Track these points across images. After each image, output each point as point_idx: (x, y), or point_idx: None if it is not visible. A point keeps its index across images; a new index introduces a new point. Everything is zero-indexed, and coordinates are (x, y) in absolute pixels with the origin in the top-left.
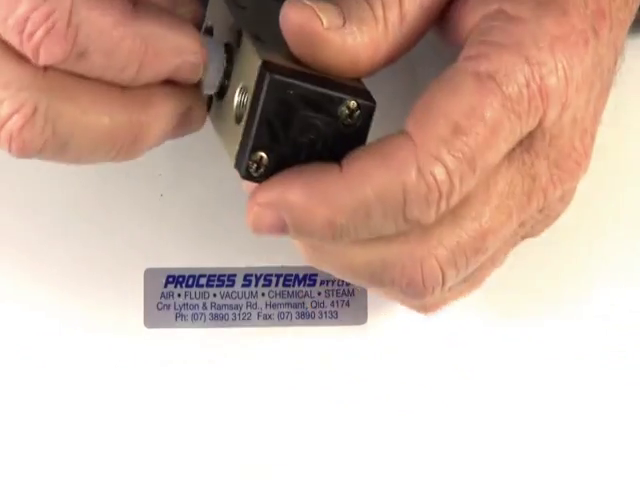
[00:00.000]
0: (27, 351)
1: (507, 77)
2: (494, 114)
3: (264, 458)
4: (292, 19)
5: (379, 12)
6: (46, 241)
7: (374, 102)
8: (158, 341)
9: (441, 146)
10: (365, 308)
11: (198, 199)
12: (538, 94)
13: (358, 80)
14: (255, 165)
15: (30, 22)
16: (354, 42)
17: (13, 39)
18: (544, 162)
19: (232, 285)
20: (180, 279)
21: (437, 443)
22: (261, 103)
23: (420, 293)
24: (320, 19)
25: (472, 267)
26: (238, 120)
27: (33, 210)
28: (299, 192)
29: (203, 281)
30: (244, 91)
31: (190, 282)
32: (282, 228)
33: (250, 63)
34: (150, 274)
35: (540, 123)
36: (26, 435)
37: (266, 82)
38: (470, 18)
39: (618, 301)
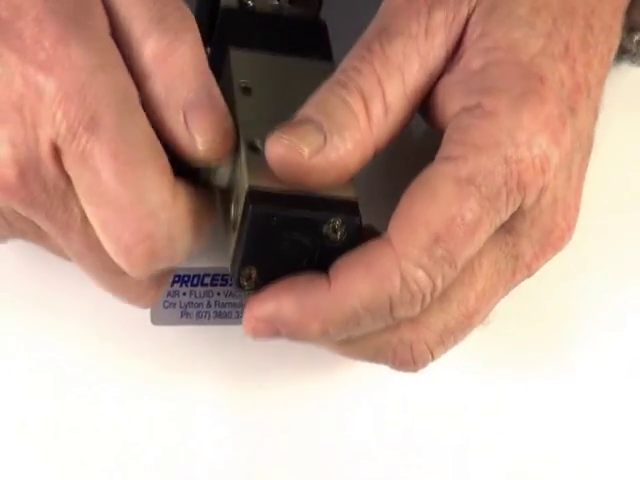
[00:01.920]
0: (36, 348)
1: (485, 179)
2: (473, 216)
3: (268, 452)
4: (275, 154)
5: (359, 107)
6: None
7: (358, 215)
8: (164, 338)
9: (422, 254)
10: None
11: None
12: (516, 188)
13: (350, 181)
14: (245, 278)
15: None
16: (338, 155)
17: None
18: (526, 241)
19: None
20: (185, 278)
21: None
22: (246, 229)
23: (411, 369)
24: (301, 150)
25: (460, 340)
26: (233, 228)
27: None
28: (292, 308)
29: (207, 280)
30: (237, 202)
31: (195, 281)
32: (278, 335)
33: (242, 179)
34: None
35: (520, 208)
36: (33, 432)
37: (250, 213)
38: (451, 108)
39: (601, 356)
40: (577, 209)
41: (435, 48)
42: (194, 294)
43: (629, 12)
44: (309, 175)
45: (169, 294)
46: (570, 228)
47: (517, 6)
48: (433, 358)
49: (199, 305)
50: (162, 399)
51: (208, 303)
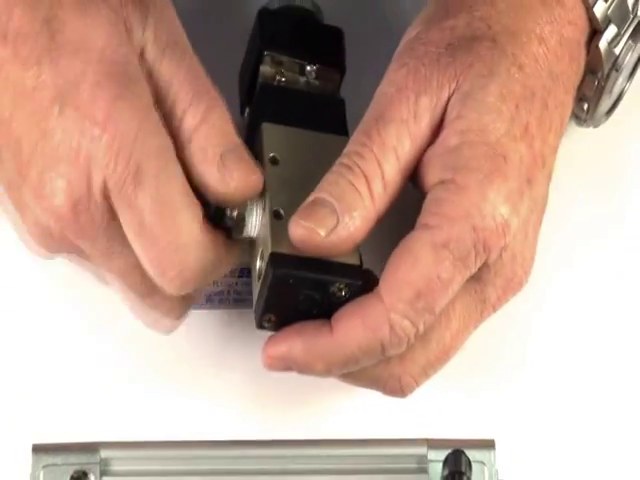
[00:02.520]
0: (83, 324)
1: (457, 244)
2: (448, 275)
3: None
4: (296, 235)
5: (364, 188)
6: None
7: (359, 279)
8: (191, 321)
9: (407, 307)
10: None
11: None
12: (482, 250)
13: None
14: (266, 322)
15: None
16: (349, 232)
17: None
18: (491, 287)
19: (250, 276)
20: None
21: None
22: (268, 286)
23: (399, 396)
24: (318, 232)
25: (439, 369)
26: (258, 277)
27: None
28: (300, 351)
29: (228, 274)
30: (262, 258)
31: None
32: (289, 369)
33: (266, 241)
34: None
35: (485, 263)
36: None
37: (271, 274)
38: (431, 177)
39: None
40: (532, 259)
41: (422, 128)
42: (217, 284)
43: (579, 86)
44: (324, 249)
45: None
46: (526, 274)
47: (487, 94)
48: (417, 386)
49: (221, 293)
50: (191, 367)
51: (228, 291)
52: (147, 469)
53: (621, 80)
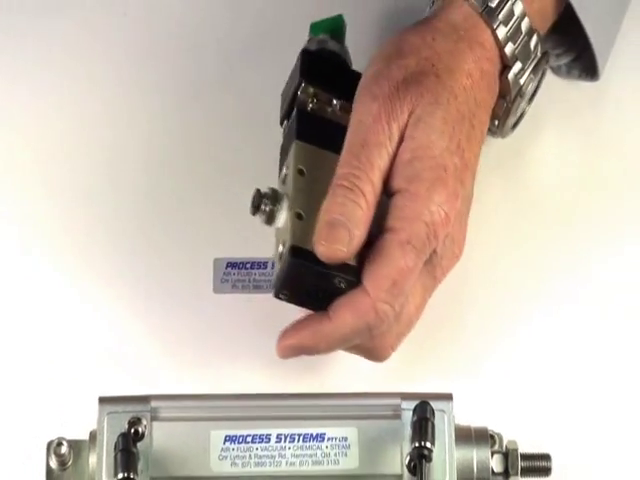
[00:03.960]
0: (125, 310)
1: (417, 239)
2: (412, 263)
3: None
4: (320, 252)
5: (362, 202)
6: (152, 236)
7: (356, 278)
8: (221, 302)
9: (387, 295)
10: None
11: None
12: (433, 238)
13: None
14: (282, 294)
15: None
16: (359, 241)
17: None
18: (438, 267)
19: (265, 268)
20: (234, 264)
21: None
22: (285, 270)
23: (381, 361)
24: (337, 249)
25: (407, 335)
26: (279, 259)
27: (131, 214)
28: (309, 339)
29: (248, 266)
30: (284, 245)
31: (240, 266)
32: (299, 355)
33: (288, 235)
34: (217, 261)
35: (434, 250)
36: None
37: (289, 262)
38: (393, 185)
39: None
40: (464, 239)
41: (393, 146)
42: (240, 274)
43: (493, 107)
44: (344, 259)
45: (224, 274)
46: (461, 252)
47: (434, 119)
48: (393, 351)
49: (243, 281)
50: (221, 338)
51: (248, 279)
52: (186, 415)
53: (523, 104)
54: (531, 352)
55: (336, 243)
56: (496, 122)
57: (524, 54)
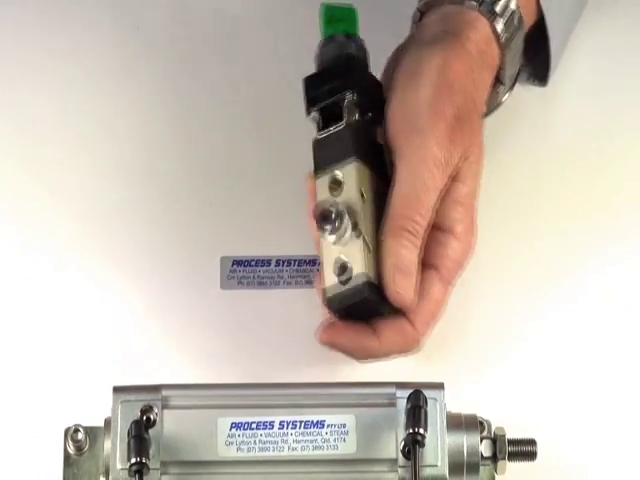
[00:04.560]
0: (137, 306)
1: (454, 276)
2: (447, 294)
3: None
4: (394, 299)
5: (420, 251)
6: (160, 235)
7: (398, 310)
8: (228, 297)
9: (428, 328)
10: None
11: (255, 214)
12: (462, 270)
13: None
14: (333, 311)
15: None
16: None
17: None
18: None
19: (269, 265)
20: (240, 262)
21: None
22: (352, 299)
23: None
24: (409, 297)
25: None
26: (337, 278)
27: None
28: (350, 347)
29: (253, 263)
30: (350, 268)
31: (245, 264)
32: (333, 349)
33: (357, 257)
34: (224, 259)
35: None
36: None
37: (361, 297)
38: (441, 223)
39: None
40: None
41: (445, 188)
42: (245, 271)
43: None
44: (409, 306)
45: (230, 271)
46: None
47: (479, 166)
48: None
49: (248, 277)
50: (226, 326)
51: (253, 276)
52: (195, 404)
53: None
54: (519, 346)
55: (408, 292)
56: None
57: (513, 75)
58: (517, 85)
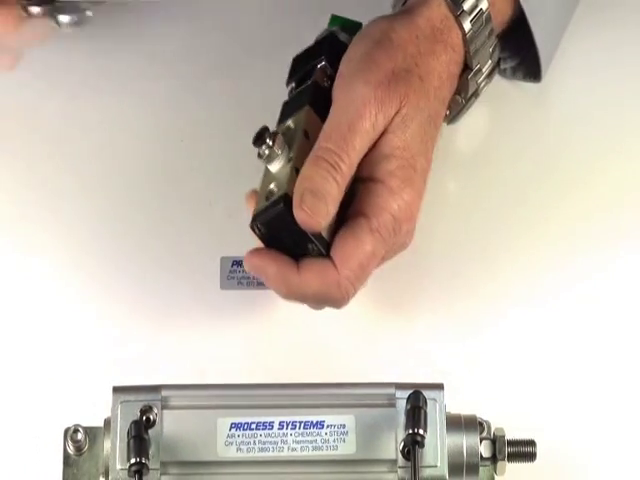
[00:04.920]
0: (141, 306)
1: (384, 229)
2: (379, 250)
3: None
4: (299, 217)
5: (341, 182)
6: (164, 236)
7: (326, 251)
8: (228, 297)
9: (352, 274)
10: None
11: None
12: (398, 232)
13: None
14: (257, 228)
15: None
16: (331, 217)
17: None
18: (392, 252)
19: None
20: (239, 262)
21: None
22: (270, 211)
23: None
24: (316, 220)
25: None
26: (266, 198)
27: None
28: (272, 274)
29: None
30: (278, 189)
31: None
32: (260, 277)
33: (284, 182)
34: (223, 260)
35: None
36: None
37: (278, 207)
38: (365, 171)
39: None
40: (414, 231)
41: (376, 135)
42: (244, 272)
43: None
44: (317, 229)
45: (230, 272)
46: (410, 242)
47: (413, 122)
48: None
49: (248, 278)
50: (227, 325)
51: (253, 277)
52: (194, 404)
53: (476, 102)
54: (518, 347)
55: (317, 215)
56: (447, 112)
57: (484, 58)
58: (511, 82)
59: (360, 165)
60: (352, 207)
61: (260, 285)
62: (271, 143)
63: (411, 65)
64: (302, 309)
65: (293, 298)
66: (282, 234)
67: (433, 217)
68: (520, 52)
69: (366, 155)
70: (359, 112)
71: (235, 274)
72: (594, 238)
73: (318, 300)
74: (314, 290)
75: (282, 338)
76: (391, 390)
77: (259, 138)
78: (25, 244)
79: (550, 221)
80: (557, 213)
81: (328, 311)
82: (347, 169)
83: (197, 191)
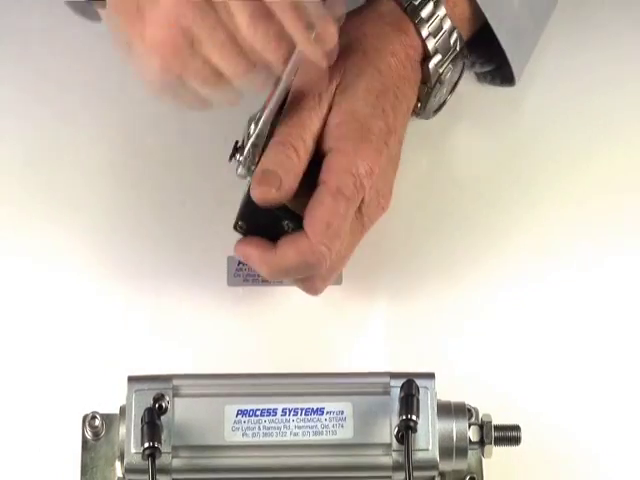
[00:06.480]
0: (150, 302)
1: (345, 187)
2: (343, 209)
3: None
4: (255, 195)
5: (294, 155)
6: (170, 235)
7: (300, 225)
8: (234, 293)
9: (323, 237)
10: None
11: None
12: (360, 188)
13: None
14: (239, 227)
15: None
16: (290, 186)
17: None
18: (366, 215)
19: None
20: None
21: None
22: (246, 202)
23: (315, 294)
24: (270, 192)
25: (338, 273)
26: (246, 194)
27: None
28: (255, 257)
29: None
30: (248, 188)
31: None
32: (248, 264)
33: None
34: (230, 259)
35: (362, 200)
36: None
37: (245, 199)
38: (324, 145)
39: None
40: (390, 194)
41: (323, 110)
42: (250, 269)
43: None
44: (277, 200)
45: (236, 269)
46: (387, 203)
47: (357, 89)
48: (325, 287)
49: (254, 275)
50: (234, 322)
51: (258, 275)
52: (203, 392)
53: (444, 91)
54: (505, 338)
55: (267, 186)
56: (418, 104)
57: (444, 48)
58: (487, 86)
59: (319, 143)
60: (318, 180)
61: (265, 282)
62: (242, 152)
63: (354, 45)
64: (304, 304)
65: (277, 275)
66: (258, 222)
67: (426, 207)
68: (496, 58)
69: (322, 133)
70: (304, 95)
71: (241, 272)
72: (583, 227)
73: (298, 270)
74: (291, 261)
75: (285, 331)
76: (386, 379)
77: (232, 156)
78: (43, 243)
79: (537, 209)
80: (538, 208)
81: (328, 306)
82: (299, 143)
83: (207, 195)
